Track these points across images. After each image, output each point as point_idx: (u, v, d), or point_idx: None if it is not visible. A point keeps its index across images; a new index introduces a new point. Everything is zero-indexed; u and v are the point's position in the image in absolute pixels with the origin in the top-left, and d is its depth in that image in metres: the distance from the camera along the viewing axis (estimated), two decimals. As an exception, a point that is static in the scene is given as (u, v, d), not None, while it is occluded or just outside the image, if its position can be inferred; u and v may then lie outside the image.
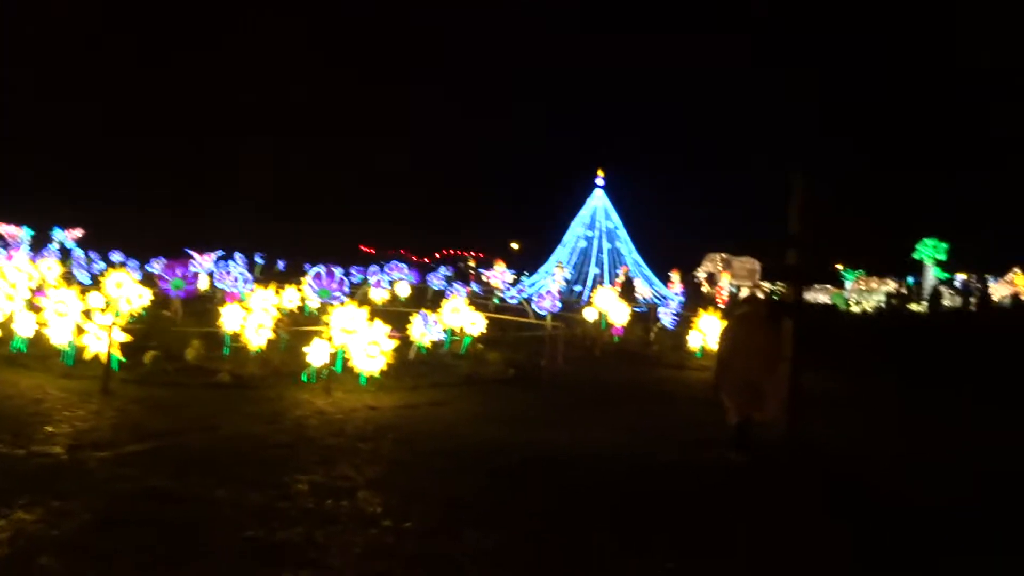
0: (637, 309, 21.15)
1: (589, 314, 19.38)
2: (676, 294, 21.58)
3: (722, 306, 24.34)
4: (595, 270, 34.84)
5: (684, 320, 19.93)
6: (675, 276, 29.76)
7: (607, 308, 18.82)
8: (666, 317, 19.68)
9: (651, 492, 7.09)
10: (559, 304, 19.03)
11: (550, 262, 37.16)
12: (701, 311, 17.62)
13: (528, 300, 21.03)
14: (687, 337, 17.61)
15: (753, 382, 8.28)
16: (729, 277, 35.29)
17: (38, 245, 27.30)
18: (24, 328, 11.81)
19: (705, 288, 36.09)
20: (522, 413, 10.49)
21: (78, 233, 33.66)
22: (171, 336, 12.64)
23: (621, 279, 27.82)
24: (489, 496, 6.62)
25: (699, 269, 41.50)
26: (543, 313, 18.62)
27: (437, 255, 70.77)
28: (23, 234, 28.25)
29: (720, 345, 8.88)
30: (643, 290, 30.63)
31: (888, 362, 16.01)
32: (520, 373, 13.34)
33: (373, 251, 63.85)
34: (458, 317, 14.78)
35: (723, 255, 39.16)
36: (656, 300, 28.76)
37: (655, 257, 37.83)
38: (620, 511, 6.44)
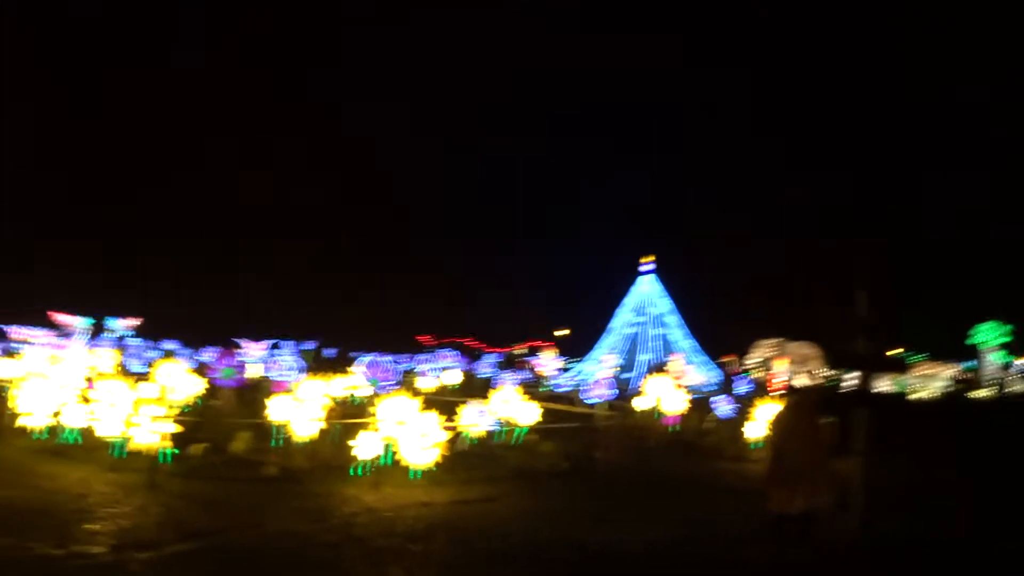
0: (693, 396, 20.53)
1: (642, 403, 18.78)
2: (735, 379, 20.88)
3: (778, 393, 23.51)
4: (646, 356, 34.19)
5: (741, 409, 19.19)
6: (730, 362, 29.08)
7: (660, 396, 18.23)
8: (722, 406, 18.97)
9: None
10: (613, 392, 18.50)
11: (599, 349, 36.63)
12: (758, 400, 16.93)
13: (578, 389, 20.52)
14: (743, 427, 16.85)
15: (802, 472, 7.79)
16: (785, 363, 34.29)
17: (94, 334, 27.76)
18: (75, 419, 11.73)
19: (760, 375, 35.13)
20: (577, 508, 10.01)
21: (135, 322, 34.16)
22: (221, 427, 12.42)
23: (675, 367, 27.18)
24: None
25: (748, 357, 40.48)
26: (594, 402, 18.07)
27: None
28: (80, 323, 28.75)
29: (772, 434, 8.50)
30: (696, 377, 29.87)
31: (960, 450, 15.11)
32: (574, 465, 12.82)
33: (430, 339, 62.99)
34: (509, 407, 14.34)
35: (776, 341, 38.21)
36: (709, 388, 28.03)
37: (709, 342, 37.15)
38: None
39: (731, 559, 7.69)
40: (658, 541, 8.27)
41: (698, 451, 16.20)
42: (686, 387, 22.64)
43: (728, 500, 11.30)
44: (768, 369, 34.71)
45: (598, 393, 17.96)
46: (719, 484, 12.66)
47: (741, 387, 19.96)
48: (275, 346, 24.39)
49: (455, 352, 26.81)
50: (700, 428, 18.40)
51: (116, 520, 7.93)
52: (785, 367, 33.08)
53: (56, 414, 12.06)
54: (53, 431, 12.06)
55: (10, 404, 12.30)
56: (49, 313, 29.76)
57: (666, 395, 18.25)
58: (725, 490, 12.15)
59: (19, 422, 12.08)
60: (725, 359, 29.34)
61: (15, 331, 22.34)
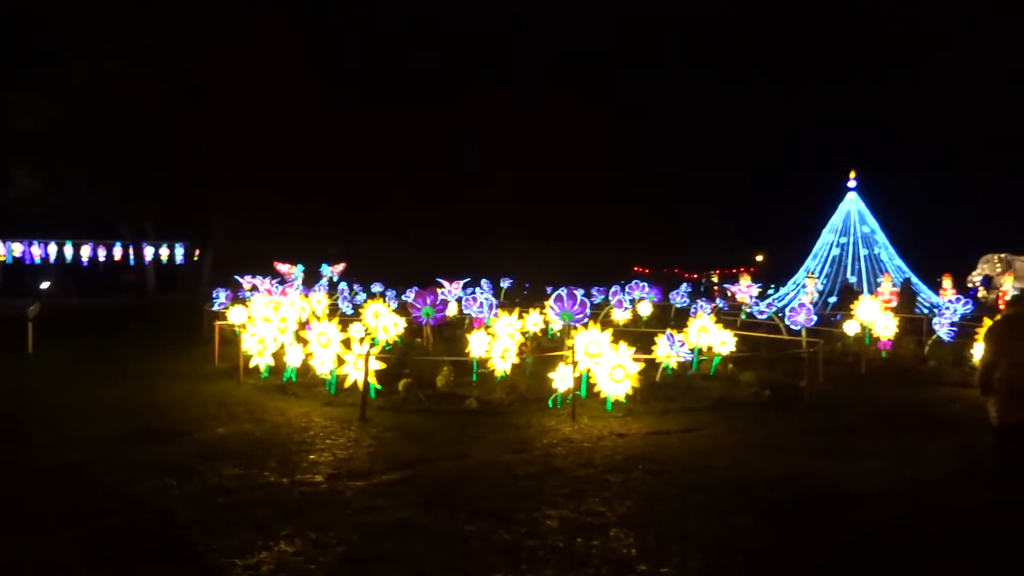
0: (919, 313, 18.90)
1: (850, 327, 17.57)
2: (951, 301, 18.91)
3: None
4: (851, 279, 31.89)
5: (964, 331, 17.46)
6: (947, 282, 26.46)
7: (871, 320, 16.94)
8: (942, 328, 17.34)
9: (955, 538, 5.89)
10: (814, 317, 17.37)
11: (800, 273, 34.58)
12: (986, 320, 15.25)
13: (779, 315, 19.48)
14: (971, 351, 15.30)
15: (1020, 386, 7.81)
16: (1011, 279, 30.75)
17: (310, 280, 29.82)
18: (293, 359, 12.64)
19: (982, 294, 31.85)
20: (784, 440, 9.45)
21: (341, 267, 36.47)
22: (423, 364, 12.91)
23: (888, 287, 25.05)
24: (759, 539, 5.80)
25: (974, 273, 36.65)
26: (797, 328, 17.12)
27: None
28: (296, 271, 31.01)
29: (984, 347, 8.32)
30: (907, 297, 27.51)
31: None
32: (777, 395, 12.20)
33: (647, 271, 62.01)
34: (706, 336, 13.90)
35: (1003, 255, 34.27)
36: (928, 309, 25.75)
37: (922, 262, 34.03)
38: (923, 562, 5.35)
39: (974, 499, 6.95)
40: (875, 476, 7.64)
41: (916, 377, 14.98)
42: (897, 308, 20.93)
43: (953, 430, 10.33)
44: (995, 287, 31.33)
45: (801, 318, 16.89)
46: (942, 413, 11.58)
47: (962, 306, 18.01)
48: (472, 284, 25.13)
49: (644, 283, 26.13)
50: (919, 353, 16.99)
51: (333, 451, 8.45)
52: (1012, 283, 29.73)
53: (279, 354, 13.02)
54: (276, 371, 13.03)
55: (241, 347, 13.41)
56: (274, 263, 32.43)
57: (876, 318, 16.92)
58: (949, 419, 11.12)
59: (251, 363, 13.16)
60: (942, 279, 26.72)
61: (246, 280, 24.35)
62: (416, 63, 47.76)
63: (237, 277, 25.26)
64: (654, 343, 13.12)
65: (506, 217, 48.13)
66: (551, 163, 55.81)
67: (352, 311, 22.72)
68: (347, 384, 11.36)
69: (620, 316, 21.77)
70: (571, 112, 52.46)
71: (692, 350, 13.75)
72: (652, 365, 12.73)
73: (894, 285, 26.27)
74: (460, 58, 49.10)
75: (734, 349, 14.18)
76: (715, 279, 58.57)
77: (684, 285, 28.53)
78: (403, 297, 22.98)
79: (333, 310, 21.52)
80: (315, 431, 9.45)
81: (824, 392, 12.88)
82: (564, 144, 53.99)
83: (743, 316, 22.63)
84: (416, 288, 18.67)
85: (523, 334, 13.80)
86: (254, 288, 22.52)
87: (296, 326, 13.51)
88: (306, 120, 40.90)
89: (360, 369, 10.88)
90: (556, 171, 55.92)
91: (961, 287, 30.02)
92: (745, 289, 25.40)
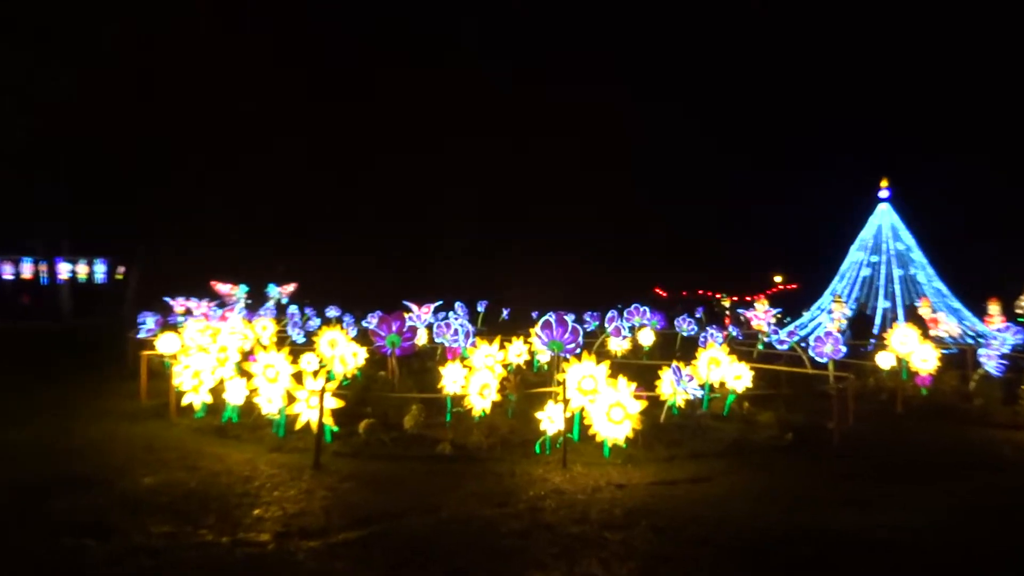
0: (946, 351, 19.06)
1: (884, 360, 17.70)
2: (1000, 330, 19.09)
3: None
4: (884, 303, 32.20)
5: (1015, 364, 17.64)
6: (994, 308, 26.75)
7: (908, 351, 17.09)
8: (990, 361, 17.48)
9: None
10: (843, 348, 17.50)
11: (825, 296, 34.85)
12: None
13: (802, 345, 19.59)
14: (1023, 387, 15.43)
15: None
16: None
17: (255, 303, 29.72)
18: (235, 395, 12.51)
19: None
20: (808, 490, 9.52)
21: (291, 288, 36.36)
22: (388, 401, 12.87)
23: (926, 313, 25.31)
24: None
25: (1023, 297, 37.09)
26: (823, 360, 17.25)
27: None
28: (239, 291, 30.88)
29: None
30: (951, 328, 27.76)
31: None
32: (800, 438, 12.28)
33: (665, 294, 62.22)
34: (718, 370, 13.94)
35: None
36: (972, 339, 25.99)
37: (965, 284, 34.32)
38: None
39: (1014, 559, 7.00)
40: (912, 531, 7.69)
41: (960, 417, 15.06)
42: (939, 339, 21.14)
43: (1003, 478, 10.42)
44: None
45: (828, 349, 17.00)
46: (990, 458, 11.66)
47: (1012, 336, 18.18)
48: (445, 307, 25.12)
49: (645, 308, 26.28)
50: (963, 389, 17.11)
51: (282, 504, 8.38)
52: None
53: (217, 390, 12.88)
54: (215, 409, 12.90)
55: (172, 381, 13.25)
56: (212, 282, 32.30)
57: (915, 349, 17.07)
58: (998, 465, 11.22)
59: (184, 400, 13.02)
60: (988, 304, 26.98)
61: (178, 302, 24.20)
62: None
63: (168, 299, 25.10)
64: (658, 378, 13.09)
65: (484, 230, 48.31)
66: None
67: (304, 339, 22.65)
68: (298, 425, 11.25)
69: (618, 346, 21.91)
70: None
71: (702, 386, 13.77)
72: (656, 403, 12.71)
73: (934, 311, 26.54)
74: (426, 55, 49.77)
75: (750, 385, 14.13)
76: (726, 303, 58.66)
77: (697, 309, 28.72)
78: (364, 323, 22.92)
79: (282, 338, 21.38)
80: (260, 481, 9.34)
81: (855, 434, 12.91)
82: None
83: (760, 346, 22.79)
84: (379, 313, 18.64)
85: (505, 367, 13.74)
86: (188, 312, 22.39)
87: (238, 357, 13.40)
88: (253, 116, 40.91)
89: (314, 408, 10.79)
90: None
91: (1010, 313, 30.34)
92: (762, 315, 25.60)
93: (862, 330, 26.68)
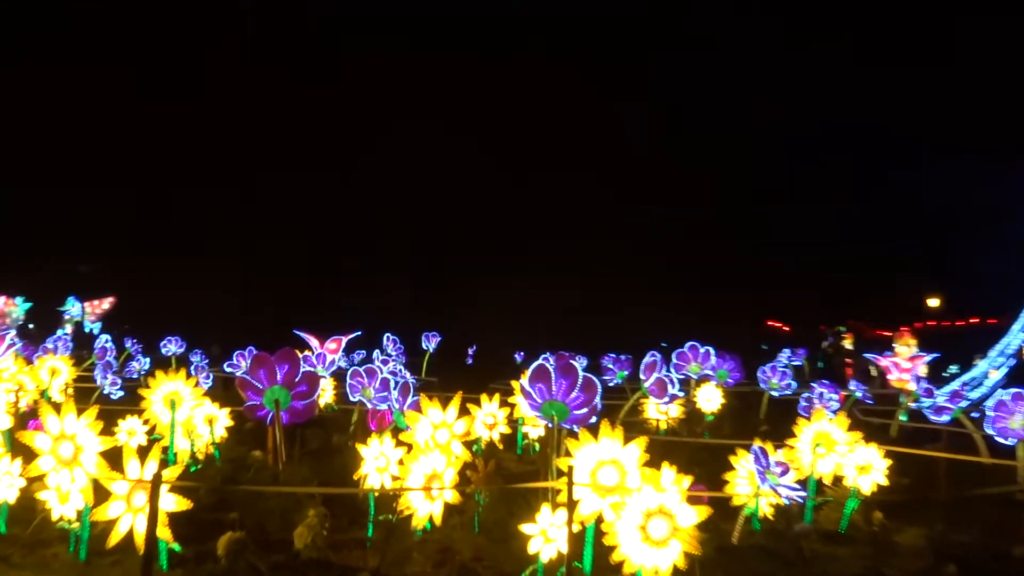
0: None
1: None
2: None
3: None
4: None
5: None
6: None
7: None
8: None
9: None
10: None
11: (1012, 336, 27.13)
12: None
13: (973, 415, 15.22)
14: None
15: None
16: None
17: (42, 329, 23.46)
18: (5, 490, 8.98)
19: None
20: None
21: (104, 306, 29.25)
22: (266, 501, 9.72)
23: None
24: None
25: None
26: (1009, 443, 13.20)
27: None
28: (16, 309, 24.53)
29: None
30: None
31: None
32: (968, 571, 9.27)
33: (788, 328, 46.56)
34: (831, 456, 10.68)
35: None
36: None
37: None
38: None
39: None
40: None
41: None
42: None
43: None
44: None
45: (1016, 424, 12.99)
46: None
47: None
48: (366, 342, 20.06)
49: (708, 348, 18.18)
50: None
51: None
52: None
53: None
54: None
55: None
56: None
57: None
58: None
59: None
60: None
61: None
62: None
63: None
64: (730, 467, 10.01)
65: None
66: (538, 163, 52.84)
67: (123, 392, 17.31)
68: (113, 540, 7.95)
69: (661, 412, 16.10)
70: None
71: (803, 483, 10.24)
72: (726, 510, 9.52)
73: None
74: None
75: (885, 483, 10.90)
76: (847, 342, 41.59)
77: (784, 353, 22.60)
78: (227, 367, 18.24)
79: (86, 389, 16.94)
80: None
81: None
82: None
83: (903, 416, 17.55)
84: (252, 350, 14.22)
85: (469, 445, 10.27)
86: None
87: (7, 422, 10.25)
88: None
89: (140, 511, 7.80)
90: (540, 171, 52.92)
91: None
92: (907, 364, 20.38)
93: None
